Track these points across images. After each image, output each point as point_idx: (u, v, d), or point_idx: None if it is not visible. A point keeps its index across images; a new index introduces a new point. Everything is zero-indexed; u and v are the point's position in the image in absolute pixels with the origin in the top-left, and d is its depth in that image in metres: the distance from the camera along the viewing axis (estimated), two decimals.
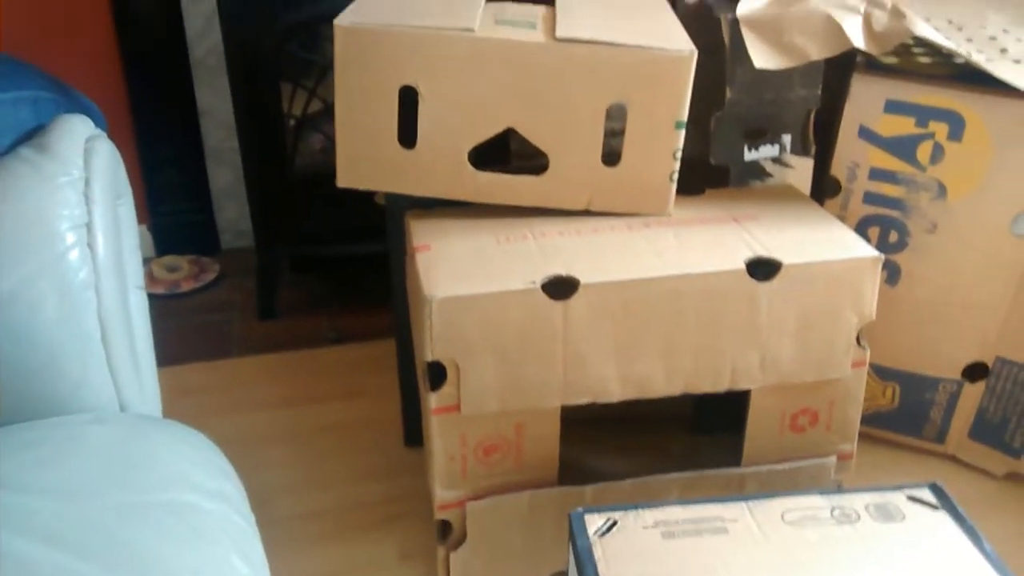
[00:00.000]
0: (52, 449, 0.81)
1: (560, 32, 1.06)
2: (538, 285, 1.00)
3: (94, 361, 0.91)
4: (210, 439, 0.91)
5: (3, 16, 1.81)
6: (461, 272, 1.03)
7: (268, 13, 1.63)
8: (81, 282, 0.91)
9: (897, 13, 1.18)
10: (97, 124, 1.18)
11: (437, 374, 1.03)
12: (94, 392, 0.90)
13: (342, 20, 1.06)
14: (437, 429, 1.06)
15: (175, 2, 1.93)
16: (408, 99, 1.08)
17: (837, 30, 1.18)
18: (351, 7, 1.10)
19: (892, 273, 1.28)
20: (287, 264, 2.01)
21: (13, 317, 0.87)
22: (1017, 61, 1.19)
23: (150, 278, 1.97)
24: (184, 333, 1.81)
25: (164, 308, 1.87)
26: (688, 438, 1.30)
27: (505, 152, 1.27)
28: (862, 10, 1.20)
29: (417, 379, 1.18)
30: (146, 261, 1.95)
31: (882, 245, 1.26)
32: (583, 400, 1.07)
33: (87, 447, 0.82)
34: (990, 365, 1.30)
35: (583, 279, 1.01)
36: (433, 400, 1.04)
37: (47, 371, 0.88)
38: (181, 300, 1.94)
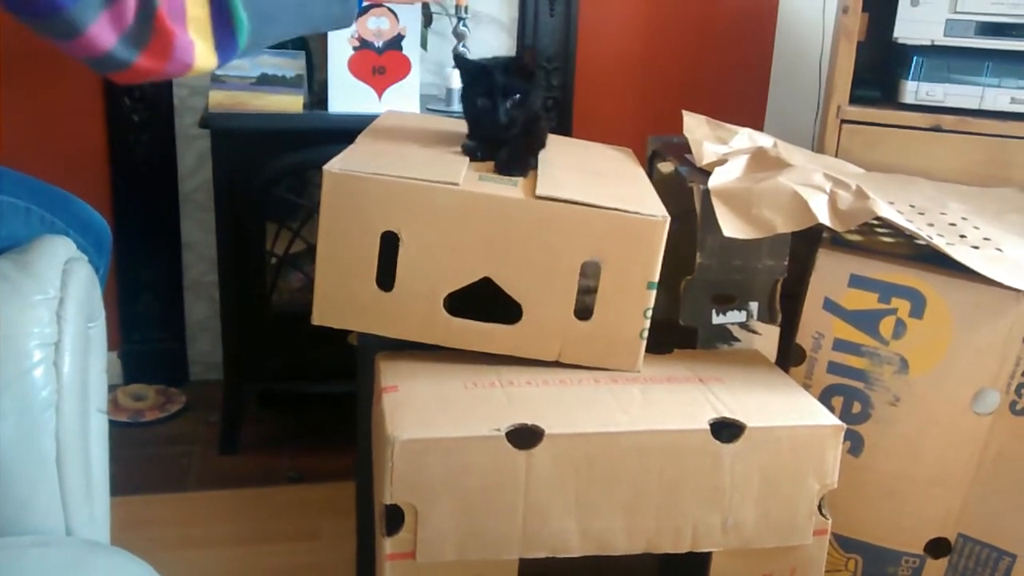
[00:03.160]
0: None
1: (540, 191, 1.10)
2: (502, 432, 1.00)
3: (45, 483, 0.89)
4: (156, 573, 0.88)
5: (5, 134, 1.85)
6: (426, 415, 1.03)
7: (259, 156, 1.68)
8: (42, 401, 0.91)
9: (861, 194, 1.24)
10: (99, 237, 1.18)
11: (395, 518, 1.01)
12: (41, 514, 0.88)
13: (331, 166, 1.10)
14: None
15: (170, 138, 1.99)
16: (388, 244, 1.11)
17: (803, 206, 1.23)
18: (340, 155, 1.15)
19: (855, 443, 1.28)
20: (254, 399, 1.99)
21: None
22: (975, 247, 1.24)
23: (114, 405, 1.94)
24: (142, 463, 1.78)
25: (125, 436, 1.83)
26: None
27: (482, 300, 1.29)
28: (828, 189, 1.26)
29: (374, 524, 1.15)
30: (112, 388, 1.94)
31: (846, 415, 1.27)
32: (542, 554, 1.04)
33: (26, 572, 0.79)
34: (952, 541, 1.29)
35: (548, 429, 1.01)
36: (388, 545, 1.01)
37: None
38: (143, 429, 1.91)
